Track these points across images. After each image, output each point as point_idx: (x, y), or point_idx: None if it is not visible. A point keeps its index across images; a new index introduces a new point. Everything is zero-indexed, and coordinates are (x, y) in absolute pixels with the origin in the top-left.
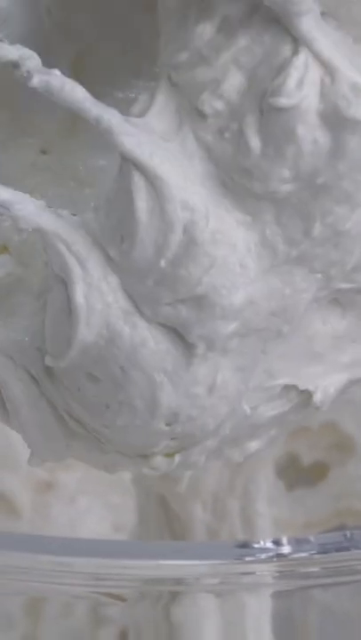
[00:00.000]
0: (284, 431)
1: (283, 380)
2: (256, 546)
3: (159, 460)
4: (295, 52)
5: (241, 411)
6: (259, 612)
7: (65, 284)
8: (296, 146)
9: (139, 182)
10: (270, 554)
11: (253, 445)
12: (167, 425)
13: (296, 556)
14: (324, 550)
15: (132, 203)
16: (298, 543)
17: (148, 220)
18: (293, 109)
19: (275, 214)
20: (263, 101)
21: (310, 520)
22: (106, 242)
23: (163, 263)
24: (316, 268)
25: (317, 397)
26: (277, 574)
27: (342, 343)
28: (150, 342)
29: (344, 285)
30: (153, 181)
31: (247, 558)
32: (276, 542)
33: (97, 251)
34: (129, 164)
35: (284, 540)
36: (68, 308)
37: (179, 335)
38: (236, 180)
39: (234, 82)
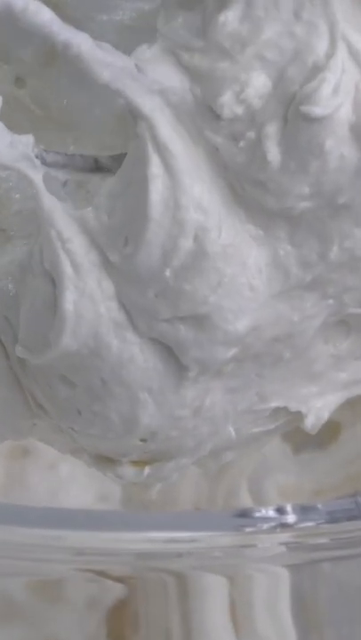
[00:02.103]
0: (263, 443)
1: (275, 403)
2: (257, 515)
3: (126, 469)
4: (332, 50)
5: (225, 433)
6: (269, 589)
7: (53, 283)
8: (322, 161)
9: (156, 170)
10: (273, 524)
11: (229, 455)
12: (142, 441)
13: (302, 525)
14: (333, 519)
15: (145, 195)
16: (304, 511)
17: (160, 218)
18: (325, 120)
19: (288, 232)
20: (290, 109)
21: (320, 486)
22: (106, 243)
23: (168, 273)
24: (330, 294)
25: (309, 421)
26: (282, 547)
27: (343, 362)
28: (139, 359)
29: (356, 311)
30: (164, 154)
31: (247, 529)
32: (280, 510)
33: (94, 253)
34: (145, 147)
35: (289, 508)
36: (54, 310)
37: (172, 354)
38: (247, 190)
39: (257, 83)
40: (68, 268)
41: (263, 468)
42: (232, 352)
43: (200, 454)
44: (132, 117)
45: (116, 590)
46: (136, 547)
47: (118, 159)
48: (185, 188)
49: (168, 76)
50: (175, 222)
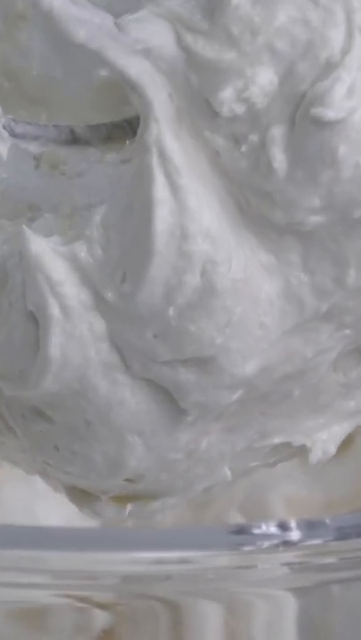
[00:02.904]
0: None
1: (277, 440)
2: (257, 531)
3: (105, 506)
4: (348, 45)
5: (220, 474)
6: (272, 616)
7: (35, 322)
8: (334, 170)
9: (162, 193)
10: (275, 541)
11: (219, 488)
12: (127, 481)
13: (308, 543)
14: (342, 536)
15: (149, 223)
16: (310, 527)
17: (165, 250)
18: (338, 124)
19: (301, 254)
20: (299, 110)
21: (331, 499)
22: (100, 280)
23: (171, 312)
24: (347, 323)
25: (315, 456)
26: (285, 568)
27: (353, 390)
28: (130, 402)
29: None
30: (169, 170)
31: (245, 547)
32: (283, 526)
33: (86, 292)
34: (150, 161)
35: (293, 524)
36: (34, 349)
37: (168, 397)
38: (253, 204)
39: (263, 80)
40: (56, 312)
41: (270, 478)
42: (237, 395)
43: (191, 495)
44: (129, 88)
45: (103, 619)
46: (120, 569)
47: (97, 130)
48: (192, 213)
49: (156, 34)
50: (181, 255)
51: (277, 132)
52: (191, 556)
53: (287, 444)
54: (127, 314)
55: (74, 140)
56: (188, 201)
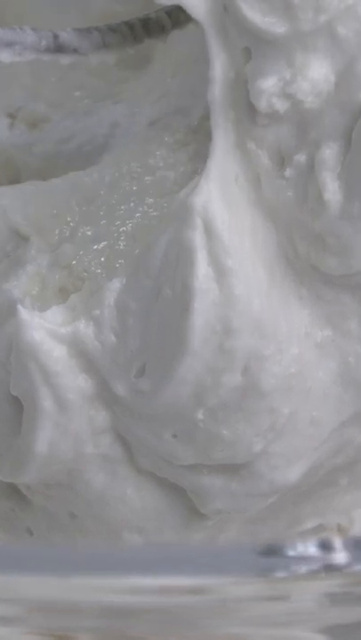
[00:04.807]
0: None
1: (309, 525)
2: (291, 553)
3: None
4: None
5: None
6: None
7: (20, 406)
8: None
9: (204, 279)
10: (315, 566)
11: None
12: None
13: (357, 568)
14: None
15: (186, 316)
16: (360, 547)
17: (202, 347)
18: None
19: (360, 319)
20: (357, 126)
21: None
22: (111, 372)
23: (200, 415)
24: None
25: (355, 531)
26: (327, 599)
27: None
28: (133, 498)
29: None
30: (213, 243)
31: (276, 573)
32: (325, 546)
33: (89, 380)
34: (192, 249)
35: (338, 543)
36: (16, 431)
37: (183, 496)
38: (301, 252)
39: (316, 74)
40: (48, 405)
41: None
42: (273, 499)
43: None
44: None
45: None
46: (114, 599)
47: (87, 36)
48: (240, 303)
49: None
50: (222, 353)
51: (329, 153)
52: (208, 583)
53: (319, 527)
54: (141, 412)
55: (57, 47)
56: (236, 288)
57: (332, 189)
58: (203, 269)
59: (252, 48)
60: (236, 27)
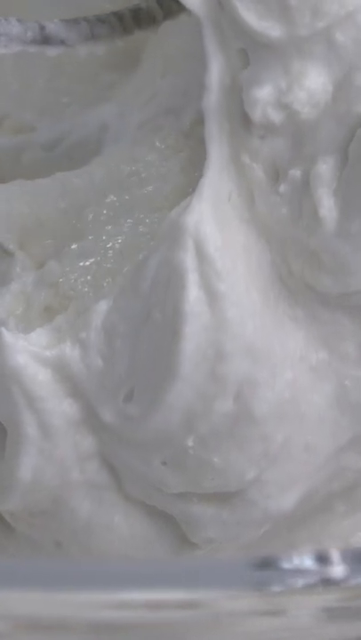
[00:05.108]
0: None
1: (304, 550)
2: (287, 566)
3: None
4: None
5: None
6: None
7: (3, 431)
8: None
9: (195, 303)
10: (312, 579)
11: None
12: None
13: (356, 581)
14: None
15: (176, 341)
16: (358, 560)
17: (192, 373)
18: None
19: (357, 341)
20: (354, 141)
21: None
22: (98, 396)
23: (191, 442)
24: None
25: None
26: (324, 614)
27: None
28: (121, 526)
29: None
30: (204, 267)
31: (272, 587)
32: (322, 559)
33: (75, 406)
34: (182, 272)
35: (335, 556)
36: None
37: (173, 524)
38: (295, 271)
39: (313, 83)
40: (32, 431)
41: None
42: (267, 527)
43: None
44: None
45: None
46: (104, 614)
47: (75, 27)
48: (232, 326)
49: None
50: (214, 379)
51: (325, 168)
52: (200, 597)
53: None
54: (129, 437)
55: (44, 38)
56: (228, 312)
57: (327, 206)
58: (194, 293)
59: (248, 50)
60: (231, 26)
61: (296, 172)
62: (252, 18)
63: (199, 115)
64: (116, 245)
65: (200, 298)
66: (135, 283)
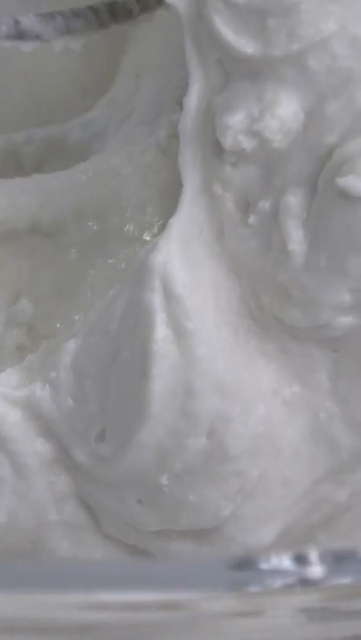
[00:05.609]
0: None
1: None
2: (264, 566)
3: None
4: None
5: None
6: None
7: None
8: None
9: (163, 342)
10: (290, 579)
11: None
12: None
13: (334, 582)
14: None
15: (144, 381)
16: (337, 561)
17: (162, 411)
18: None
19: (331, 374)
20: (323, 172)
21: None
22: (69, 437)
23: (165, 480)
24: None
25: None
26: (303, 615)
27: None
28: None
29: None
30: (172, 304)
31: (249, 588)
32: (300, 559)
33: (48, 446)
34: (150, 312)
35: (314, 556)
36: None
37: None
38: (265, 304)
39: (285, 111)
40: (4, 471)
41: None
42: None
43: None
44: None
45: None
46: (80, 616)
47: (50, 21)
48: (201, 364)
49: None
50: (185, 416)
51: (294, 201)
52: (175, 599)
53: None
54: (103, 477)
55: (19, 33)
56: (197, 349)
57: (296, 239)
58: (162, 332)
59: (223, 62)
60: (208, 37)
61: (265, 204)
62: (228, 32)
63: (173, 128)
64: (89, 279)
65: (168, 337)
66: (104, 322)
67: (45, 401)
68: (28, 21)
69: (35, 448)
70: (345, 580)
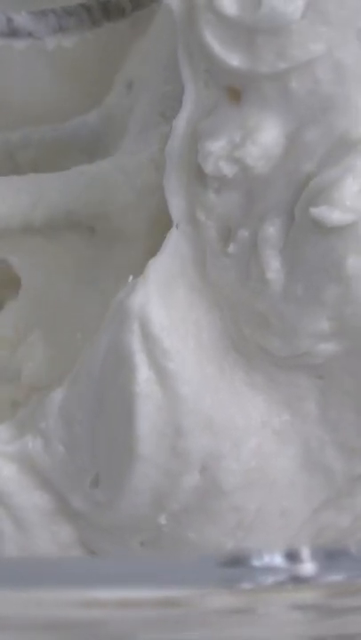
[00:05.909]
0: None
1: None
2: (256, 563)
3: None
4: None
5: None
6: None
7: None
8: (342, 286)
9: (145, 384)
10: (282, 576)
11: None
12: None
13: (327, 579)
14: None
15: (129, 421)
16: (329, 558)
17: (153, 452)
18: (346, 229)
19: (319, 401)
20: (300, 201)
21: None
22: (65, 485)
23: (163, 520)
24: None
25: None
26: (295, 612)
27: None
28: None
29: None
30: (153, 350)
31: (241, 585)
32: (292, 556)
33: (46, 497)
34: (130, 355)
35: (306, 553)
36: None
37: None
38: (247, 334)
39: (266, 138)
40: (6, 526)
41: None
42: None
43: None
44: None
45: None
46: (73, 613)
47: (43, 19)
48: (187, 402)
49: None
50: (175, 455)
51: (272, 230)
52: (168, 596)
53: None
54: (103, 523)
55: (11, 31)
56: (181, 389)
57: (274, 268)
58: (144, 374)
59: (210, 72)
60: (198, 47)
61: (245, 232)
62: (215, 43)
63: (164, 141)
64: (75, 323)
65: (150, 378)
66: (88, 366)
67: (37, 452)
68: (21, 19)
69: (33, 501)
70: (337, 577)
